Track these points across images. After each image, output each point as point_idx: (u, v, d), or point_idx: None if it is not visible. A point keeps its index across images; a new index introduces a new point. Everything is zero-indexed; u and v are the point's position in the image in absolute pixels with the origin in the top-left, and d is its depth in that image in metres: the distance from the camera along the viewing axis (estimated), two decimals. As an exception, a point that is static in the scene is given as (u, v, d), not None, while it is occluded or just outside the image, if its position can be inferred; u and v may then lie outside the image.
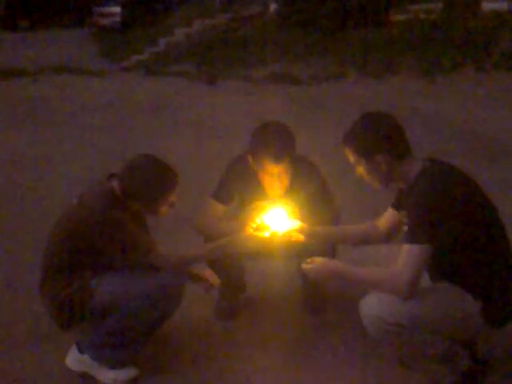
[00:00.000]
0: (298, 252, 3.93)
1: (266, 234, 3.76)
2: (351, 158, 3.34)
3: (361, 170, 3.33)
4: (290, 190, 4.09)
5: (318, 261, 3.39)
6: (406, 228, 3.20)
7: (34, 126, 11.29)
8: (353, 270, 3.30)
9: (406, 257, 3.07)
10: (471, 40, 16.92)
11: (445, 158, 3.36)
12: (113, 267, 3.53)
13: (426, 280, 3.30)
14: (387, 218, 3.69)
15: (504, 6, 18.86)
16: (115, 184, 3.55)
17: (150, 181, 3.49)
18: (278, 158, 3.84)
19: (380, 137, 3.23)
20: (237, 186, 4.10)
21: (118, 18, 29.98)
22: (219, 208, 4.09)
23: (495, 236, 3.22)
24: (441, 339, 3.19)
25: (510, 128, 10.25)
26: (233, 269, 4.22)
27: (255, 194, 4.06)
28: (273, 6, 23.64)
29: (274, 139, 3.84)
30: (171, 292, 3.49)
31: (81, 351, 3.63)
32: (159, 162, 3.57)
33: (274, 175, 3.96)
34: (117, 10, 30.19)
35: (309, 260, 3.42)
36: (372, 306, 3.14)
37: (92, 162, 8.02)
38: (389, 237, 3.73)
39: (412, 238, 3.07)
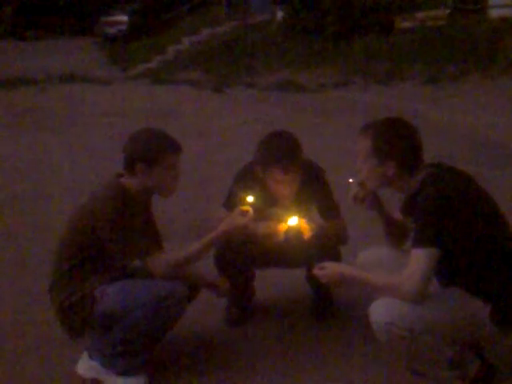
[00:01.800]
0: (303, 255, 3.96)
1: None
2: (363, 148, 3.35)
3: (365, 164, 3.35)
4: (300, 197, 4.09)
5: (329, 266, 3.41)
6: (413, 234, 3.22)
7: (42, 133, 11.34)
8: (363, 275, 3.32)
9: (414, 261, 3.09)
10: (477, 46, 16.91)
11: (451, 164, 3.38)
12: (117, 275, 3.54)
13: (434, 285, 3.32)
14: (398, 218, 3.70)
15: (510, 13, 18.82)
16: (122, 180, 3.60)
17: (150, 138, 3.59)
18: (286, 169, 3.88)
19: (401, 147, 3.26)
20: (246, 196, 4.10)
21: (124, 27, 29.99)
22: (223, 213, 4.10)
23: (502, 239, 3.23)
24: (450, 344, 3.21)
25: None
26: (242, 275, 4.25)
27: (264, 203, 4.05)
28: (279, 14, 23.67)
29: (282, 150, 3.89)
30: (174, 301, 3.48)
31: (91, 357, 3.64)
32: (160, 129, 3.69)
33: (283, 183, 3.97)
34: (124, 18, 30.21)
35: (319, 265, 3.44)
36: (381, 311, 3.16)
37: (98, 170, 8.05)
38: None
39: (419, 243, 3.10)
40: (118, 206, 3.44)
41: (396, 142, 3.26)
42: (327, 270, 3.39)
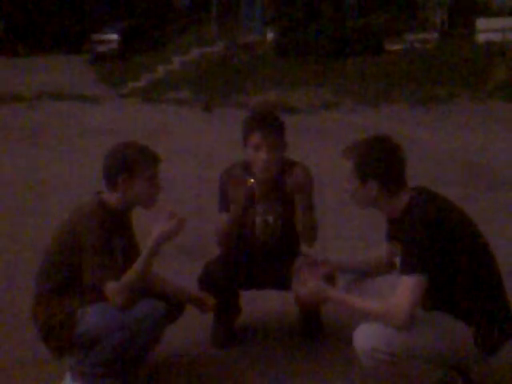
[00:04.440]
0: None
1: None
2: (346, 169, 3.33)
3: (349, 185, 3.34)
4: (281, 188, 4.02)
5: (311, 285, 3.40)
6: (397, 258, 3.22)
7: (32, 150, 11.33)
8: (347, 299, 3.31)
9: (401, 288, 3.08)
10: (466, 70, 17.05)
11: (440, 187, 3.39)
12: (99, 295, 3.47)
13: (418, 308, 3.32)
14: (386, 251, 3.68)
15: (498, 37, 18.98)
16: (103, 196, 3.59)
17: (128, 150, 3.56)
18: (264, 132, 3.90)
19: (382, 166, 3.24)
20: (230, 193, 4.05)
21: (115, 46, 30.07)
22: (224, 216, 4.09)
23: (484, 263, 3.23)
24: (435, 368, 3.19)
25: (505, 157, 10.30)
26: (227, 292, 4.19)
27: (249, 191, 4.02)
28: (270, 35, 23.78)
29: (263, 116, 4.05)
30: (152, 322, 3.44)
31: (73, 379, 3.60)
32: (137, 142, 3.67)
33: (262, 149, 3.92)
34: (114, 37, 30.31)
35: (301, 279, 3.43)
36: (365, 336, 3.14)
37: (89, 187, 8.00)
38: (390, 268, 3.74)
39: (406, 269, 3.09)
40: (100, 223, 3.42)
41: (376, 160, 3.24)
42: (308, 288, 3.38)
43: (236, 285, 4.22)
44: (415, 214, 3.14)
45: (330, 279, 3.80)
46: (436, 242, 3.06)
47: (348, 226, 6.15)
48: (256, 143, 3.92)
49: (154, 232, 3.47)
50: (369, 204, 3.37)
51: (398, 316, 3.07)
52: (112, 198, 3.57)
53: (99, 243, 3.38)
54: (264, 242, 4.14)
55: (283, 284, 4.12)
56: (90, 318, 3.44)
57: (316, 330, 4.39)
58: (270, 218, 4.09)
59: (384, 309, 3.13)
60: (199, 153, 11.19)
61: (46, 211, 7.50)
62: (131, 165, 3.52)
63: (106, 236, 3.42)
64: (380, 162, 3.24)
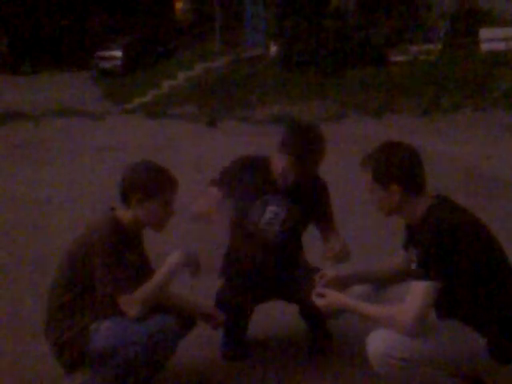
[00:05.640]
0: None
1: None
2: (366, 180, 3.37)
3: (372, 194, 3.37)
4: (300, 188, 4.08)
5: (330, 294, 3.42)
6: (414, 265, 3.22)
7: (36, 168, 11.33)
8: (362, 306, 3.32)
9: (413, 294, 3.09)
10: (470, 80, 17.06)
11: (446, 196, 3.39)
12: (111, 310, 3.49)
13: (432, 316, 3.32)
14: (402, 259, 3.68)
15: (501, 46, 19.00)
16: (116, 212, 3.60)
17: (150, 171, 3.58)
18: (312, 160, 3.97)
19: (401, 168, 3.27)
20: (241, 176, 4.09)
21: (119, 62, 30.21)
22: (213, 190, 4.11)
23: (502, 274, 3.23)
24: (447, 376, 3.20)
25: (508, 166, 10.29)
26: (241, 314, 4.21)
27: (262, 181, 4.07)
28: (273, 48, 23.85)
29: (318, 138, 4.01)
30: (164, 337, 3.44)
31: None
32: (159, 164, 3.67)
33: (293, 177, 3.97)
34: (118, 53, 30.45)
35: (318, 292, 3.43)
36: (378, 341, 3.15)
37: (94, 204, 8.04)
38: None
39: (421, 275, 3.10)
40: (113, 238, 3.44)
41: (394, 164, 3.27)
42: (328, 298, 3.40)
43: (252, 303, 4.23)
44: (434, 222, 3.15)
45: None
46: (452, 251, 3.07)
47: (354, 238, 6.15)
48: (292, 162, 3.93)
49: (179, 255, 3.57)
50: (394, 210, 3.37)
51: (406, 321, 3.08)
52: (125, 215, 3.59)
53: (113, 257, 3.40)
54: (269, 235, 4.11)
55: (290, 295, 4.17)
56: (102, 333, 3.45)
57: (325, 343, 4.37)
58: (282, 212, 4.08)
59: (393, 313, 3.15)
60: (204, 167, 11.18)
61: (50, 228, 7.52)
62: (148, 186, 3.54)
63: (119, 251, 3.44)
64: (398, 165, 3.27)
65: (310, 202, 4.12)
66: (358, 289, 3.74)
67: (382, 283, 3.75)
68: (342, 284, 3.73)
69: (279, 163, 3.98)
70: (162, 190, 3.57)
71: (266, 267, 4.14)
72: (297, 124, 4.14)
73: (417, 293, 3.09)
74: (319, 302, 3.43)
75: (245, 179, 4.07)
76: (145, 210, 3.57)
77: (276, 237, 4.10)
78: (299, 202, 4.09)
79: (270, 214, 4.07)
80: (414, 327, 3.08)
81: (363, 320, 3.40)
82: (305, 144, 3.91)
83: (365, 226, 5.32)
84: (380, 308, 3.28)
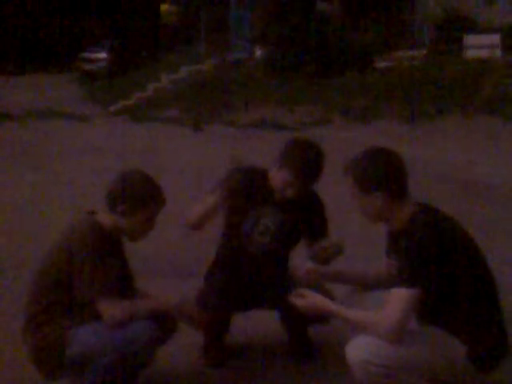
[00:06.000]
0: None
1: None
2: (350, 187, 3.34)
3: (356, 201, 3.34)
4: (296, 205, 4.07)
5: (310, 295, 3.39)
6: (395, 271, 3.21)
7: (20, 169, 11.26)
8: (342, 311, 3.29)
9: (394, 301, 3.08)
10: (454, 86, 17.15)
11: (428, 202, 3.38)
12: (90, 315, 3.45)
13: (413, 322, 3.31)
14: (385, 266, 3.68)
15: (485, 53, 19.13)
16: (97, 216, 3.57)
17: (143, 183, 3.55)
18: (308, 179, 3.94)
19: (384, 174, 3.24)
20: (238, 187, 4.06)
21: (103, 64, 30.15)
22: (209, 198, 4.07)
23: (482, 281, 3.23)
24: (428, 383, 3.17)
25: (493, 172, 10.34)
26: (222, 318, 4.19)
27: (258, 193, 4.07)
28: (258, 52, 23.88)
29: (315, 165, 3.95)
30: (142, 344, 3.39)
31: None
32: (151, 177, 3.63)
33: (291, 192, 3.96)
34: (103, 55, 30.40)
35: (298, 293, 3.42)
36: (358, 348, 3.13)
37: (77, 206, 7.99)
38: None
39: (401, 282, 3.09)
40: (96, 243, 3.41)
41: (377, 170, 3.25)
42: (308, 299, 3.38)
43: (232, 309, 4.20)
44: (415, 230, 3.14)
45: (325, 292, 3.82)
46: (434, 259, 3.05)
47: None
48: (292, 177, 3.92)
49: (168, 301, 3.63)
50: (377, 216, 3.35)
51: (386, 328, 3.06)
52: (107, 220, 3.56)
53: (93, 262, 3.36)
54: (258, 246, 4.09)
55: (272, 301, 4.17)
56: (81, 338, 3.40)
57: (306, 349, 4.36)
58: (273, 225, 4.07)
59: (374, 319, 3.13)
60: (189, 171, 11.17)
61: (33, 231, 7.45)
62: (136, 201, 3.51)
63: (102, 256, 3.40)
64: (381, 171, 3.25)
65: (304, 216, 4.12)
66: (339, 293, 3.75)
67: (362, 286, 3.74)
68: (319, 278, 3.76)
69: (278, 177, 3.97)
70: (149, 206, 3.55)
71: (251, 276, 4.13)
72: (298, 139, 4.13)
73: (398, 299, 3.07)
74: (299, 301, 3.40)
75: (241, 190, 4.05)
76: (127, 220, 3.54)
77: (266, 248, 4.09)
78: (294, 215, 4.08)
79: (263, 225, 4.06)
80: (395, 333, 3.06)
81: (344, 323, 3.37)
82: (306, 160, 3.90)
83: (348, 234, 5.33)
84: (361, 313, 3.26)
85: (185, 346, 4.33)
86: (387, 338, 3.07)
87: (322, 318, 3.71)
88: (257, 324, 4.78)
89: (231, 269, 4.15)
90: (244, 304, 4.22)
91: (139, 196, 3.51)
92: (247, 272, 4.14)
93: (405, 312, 3.06)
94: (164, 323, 3.69)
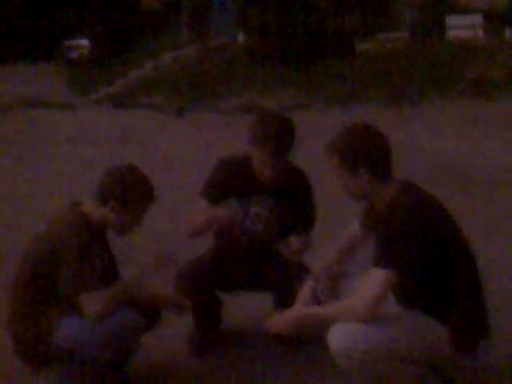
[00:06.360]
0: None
1: None
2: (333, 165, 3.32)
3: (340, 180, 3.33)
4: (283, 185, 4.06)
5: (281, 315, 3.39)
6: (374, 251, 3.21)
7: (5, 160, 11.23)
8: (316, 311, 3.35)
9: (371, 281, 3.09)
10: (437, 68, 17.16)
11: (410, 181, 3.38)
12: (75, 307, 3.45)
13: (393, 306, 3.33)
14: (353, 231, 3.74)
15: (468, 34, 19.17)
16: (83, 208, 3.57)
17: (135, 182, 3.56)
18: (281, 139, 3.89)
19: (368, 151, 3.22)
20: (226, 181, 4.05)
21: (86, 51, 29.96)
22: (202, 203, 4.06)
23: (463, 262, 3.24)
24: (411, 367, 3.19)
25: (476, 156, 10.39)
26: (204, 299, 4.16)
27: (246, 183, 4.04)
28: (241, 37, 23.79)
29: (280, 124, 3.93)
30: (126, 334, 3.44)
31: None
32: (143, 174, 3.64)
33: (270, 170, 3.94)
34: (86, 43, 30.21)
35: (272, 319, 3.42)
36: (339, 336, 3.12)
37: (62, 196, 7.97)
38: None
39: (378, 262, 3.10)
40: (82, 234, 3.42)
41: (361, 147, 3.23)
42: (282, 319, 3.38)
43: (210, 285, 4.18)
44: (395, 210, 3.14)
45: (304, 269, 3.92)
46: (414, 240, 3.06)
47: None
48: (262, 154, 3.88)
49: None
50: (363, 194, 3.33)
51: (359, 307, 3.08)
52: (94, 212, 3.56)
53: (78, 254, 3.37)
54: (252, 235, 4.11)
55: (263, 285, 4.17)
56: (66, 330, 3.42)
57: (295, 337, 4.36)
58: (264, 212, 4.08)
59: (349, 303, 3.18)
60: (172, 158, 11.16)
61: (19, 222, 7.44)
62: (127, 198, 3.53)
63: (86, 247, 3.41)
64: (366, 148, 3.22)
65: (294, 202, 4.11)
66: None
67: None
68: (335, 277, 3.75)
69: (255, 159, 3.96)
70: (139, 204, 3.58)
71: (243, 260, 4.16)
72: (260, 115, 4.08)
73: (372, 279, 3.08)
74: (275, 328, 3.39)
75: (229, 184, 4.04)
76: (116, 215, 3.55)
77: (260, 236, 4.10)
78: (283, 202, 4.09)
79: (254, 214, 4.07)
80: (367, 312, 3.06)
81: (325, 326, 3.29)
82: (269, 133, 3.82)
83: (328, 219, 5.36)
84: (337, 303, 3.33)
85: (170, 336, 4.33)
86: (360, 318, 3.07)
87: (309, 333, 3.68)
88: (244, 313, 4.78)
89: (221, 252, 4.17)
90: (228, 282, 4.20)
91: (130, 195, 3.53)
92: (240, 257, 4.16)
93: (378, 291, 3.06)
94: (147, 313, 3.71)
